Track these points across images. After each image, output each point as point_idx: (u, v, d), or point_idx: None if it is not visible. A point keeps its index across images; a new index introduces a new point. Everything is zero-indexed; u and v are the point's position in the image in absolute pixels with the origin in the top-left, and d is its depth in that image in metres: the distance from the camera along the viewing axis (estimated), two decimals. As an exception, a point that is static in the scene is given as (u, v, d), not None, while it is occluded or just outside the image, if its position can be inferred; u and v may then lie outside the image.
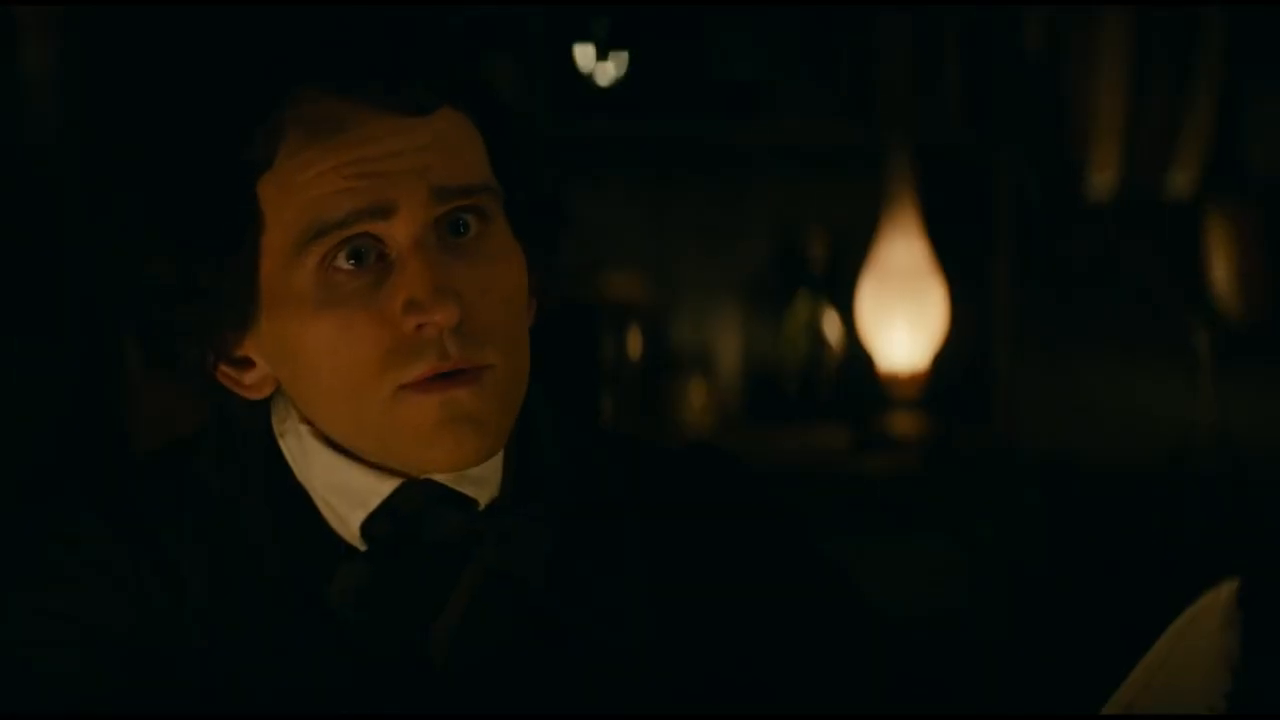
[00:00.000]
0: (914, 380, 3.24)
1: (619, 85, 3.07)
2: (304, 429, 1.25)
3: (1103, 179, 3.29)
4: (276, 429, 1.27)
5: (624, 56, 3.07)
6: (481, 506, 1.25)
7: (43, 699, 1.20)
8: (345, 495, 1.24)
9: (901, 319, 3.23)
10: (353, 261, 1.18)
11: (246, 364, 1.24)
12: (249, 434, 1.27)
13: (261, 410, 1.27)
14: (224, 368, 1.25)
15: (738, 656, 1.31)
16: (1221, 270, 3.35)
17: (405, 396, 1.19)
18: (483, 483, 1.25)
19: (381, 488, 1.23)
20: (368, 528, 1.24)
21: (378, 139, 1.17)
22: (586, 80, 3.07)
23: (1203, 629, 1.14)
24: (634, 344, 3.13)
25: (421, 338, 1.18)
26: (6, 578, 1.25)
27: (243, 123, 1.18)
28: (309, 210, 1.17)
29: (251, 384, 1.25)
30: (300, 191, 1.18)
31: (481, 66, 1.27)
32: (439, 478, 1.23)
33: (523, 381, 1.24)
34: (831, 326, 3.25)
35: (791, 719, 1.30)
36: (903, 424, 3.22)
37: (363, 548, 1.24)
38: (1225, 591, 1.14)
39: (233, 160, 1.18)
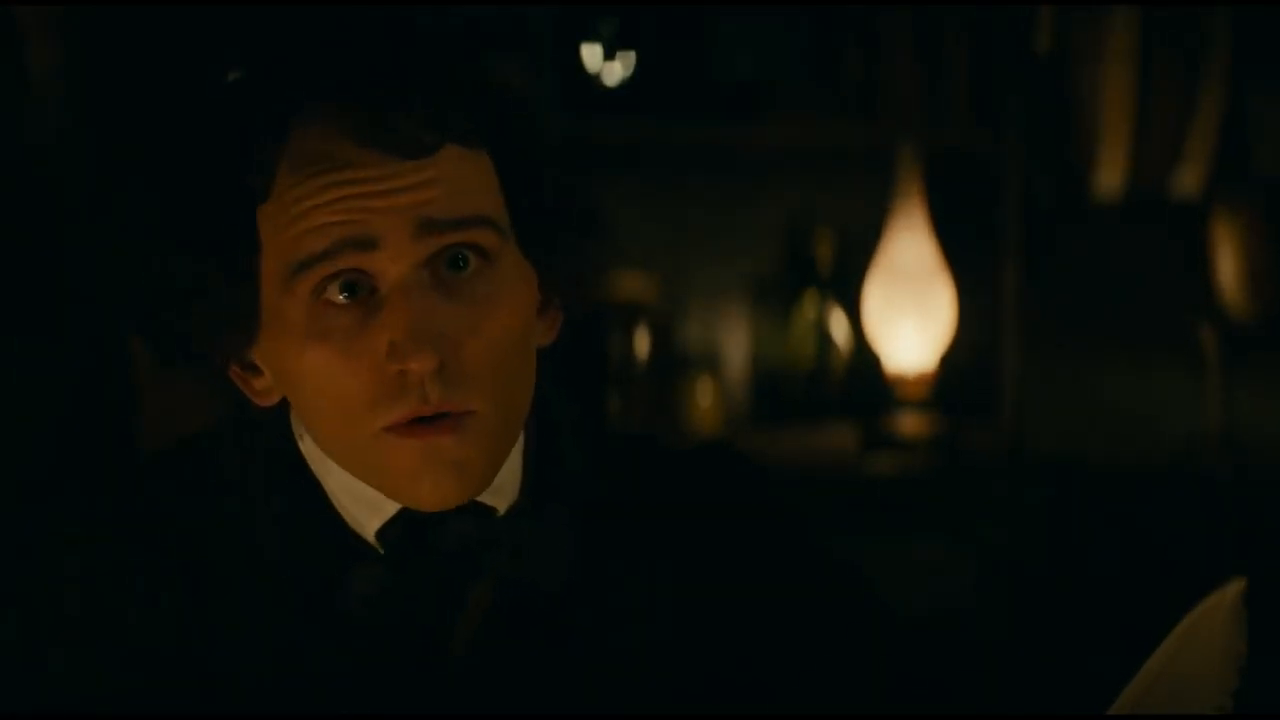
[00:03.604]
0: (921, 380, 3.24)
1: (626, 85, 3.07)
2: None
3: (1109, 178, 3.29)
4: (296, 430, 1.27)
5: (631, 57, 3.07)
6: (501, 513, 1.25)
7: (53, 697, 1.20)
8: (362, 501, 1.24)
9: (909, 319, 3.23)
10: (344, 295, 1.18)
11: (256, 370, 1.25)
12: (267, 432, 1.27)
13: (279, 410, 1.27)
14: (236, 369, 1.25)
15: (756, 655, 1.31)
16: (1228, 270, 3.35)
17: (387, 438, 1.18)
18: (500, 491, 1.25)
19: None
20: (383, 533, 1.24)
21: (372, 176, 1.17)
22: (593, 80, 3.07)
23: (1209, 629, 1.14)
24: (641, 344, 3.13)
25: (403, 381, 1.17)
26: (13, 576, 1.25)
27: (240, 154, 1.18)
28: (297, 242, 1.17)
29: (261, 390, 1.25)
30: (291, 223, 1.17)
31: (498, 102, 1.23)
32: None
33: (517, 416, 1.23)
34: (839, 327, 3.25)
35: (806, 718, 1.30)
36: (910, 424, 3.22)
37: (380, 550, 1.24)
38: (1231, 591, 1.14)
39: (232, 187, 1.18)
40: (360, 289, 1.18)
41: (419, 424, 1.18)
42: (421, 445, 1.18)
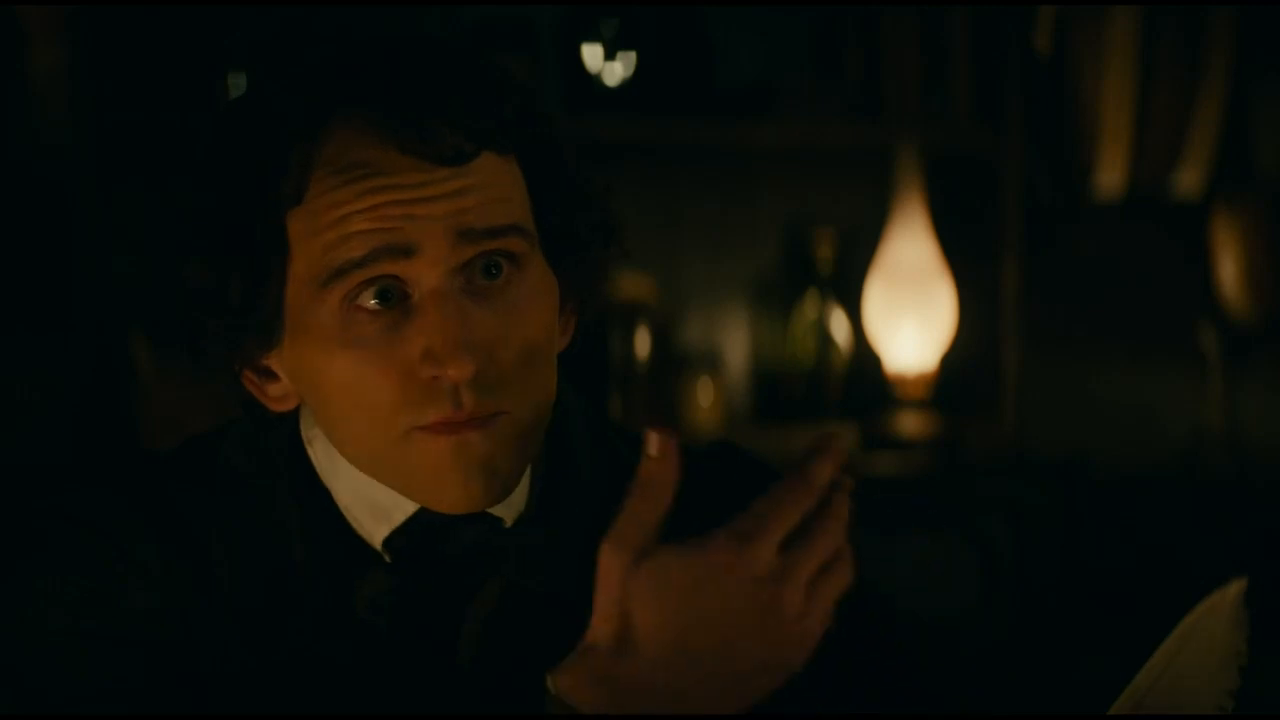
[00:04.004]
0: (922, 380, 3.24)
1: (627, 85, 3.07)
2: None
3: (1111, 178, 3.29)
4: (305, 435, 1.27)
5: (632, 57, 3.07)
6: (508, 524, 1.25)
7: (54, 698, 1.20)
8: (370, 508, 1.24)
9: (909, 319, 3.23)
10: (376, 301, 1.18)
11: (271, 376, 1.25)
12: (275, 430, 1.27)
13: (286, 415, 1.27)
14: (249, 375, 1.25)
15: None
16: (1229, 270, 3.35)
17: (417, 437, 1.19)
18: (508, 502, 1.25)
19: (406, 505, 1.24)
20: (390, 541, 1.24)
21: (408, 185, 1.17)
22: (595, 81, 3.07)
23: (1210, 628, 1.14)
24: (642, 343, 3.13)
25: (436, 387, 1.17)
26: (30, 569, 1.24)
27: (272, 158, 1.18)
28: (332, 248, 1.17)
29: (275, 396, 1.25)
30: (326, 229, 1.17)
31: (528, 108, 1.23)
32: None
33: (542, 419, 1.23)
34: (839, 326, 3.25)
35: (811, 717, 1.29)
36: (910, 424, 3.22)
37: (387, 557, 1.24)
38: (1232, 591, 1.14)
39: (262, 191, 1.18)
40: (394, 296, 1.18)
41: (450, 423, 1.18)
42: (451, 442, 1.18)
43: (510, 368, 1.19)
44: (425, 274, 1.17)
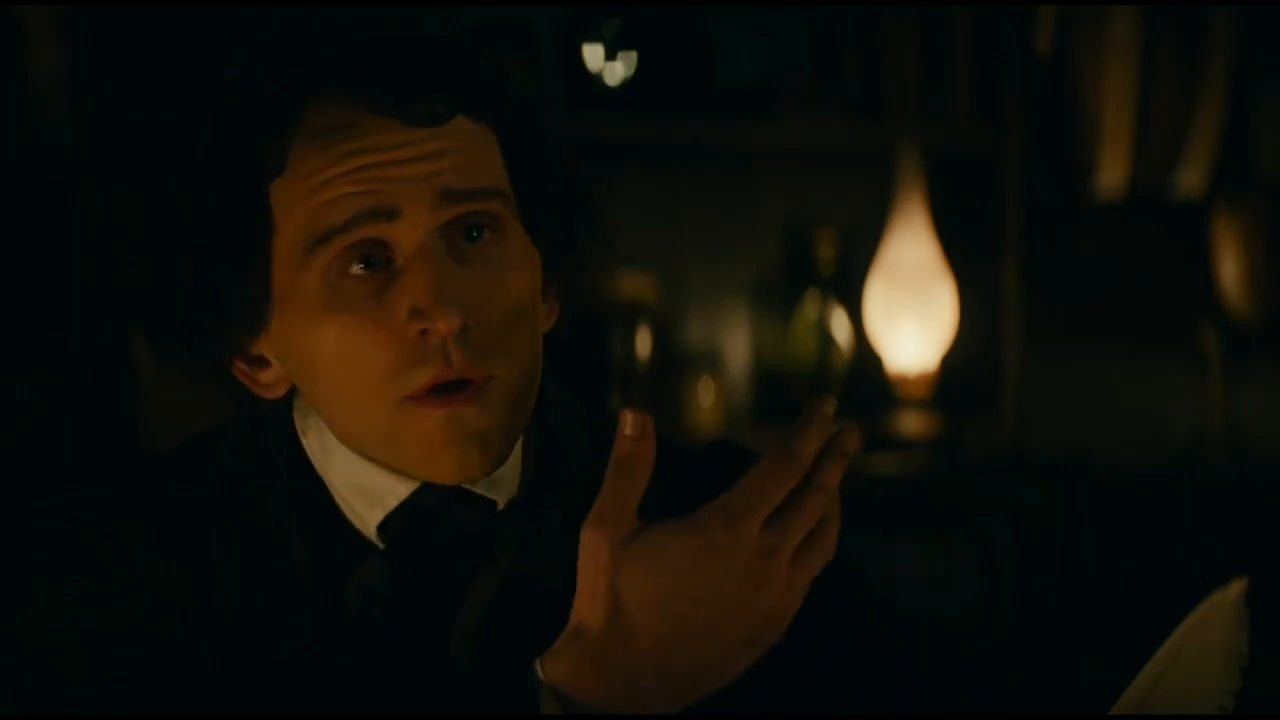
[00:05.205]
0: (923, 380, 3.24)
1: (628, 85, 3.07)
2: (325, 426, 1.25)
3: (1111, 178, 3.29)
4: (298, 424, 1.28)
5: (633, 57, 3.08)
6: (501, 506, 1.26)
7: (68, 690, 1.20)
8: (364, 494, 1.25)
9: (910, 319, 3.23)
10: (360, 266, 1.19)
11: (262, 363, 1.25)
12: (272, 428, 1.27)
13: (283, 405, 1.27)
14: (240, 364, 1.26)
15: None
16: (1230, 269, 3.35)
17: (410, 408, 1.19)
18: (501, 483, 1.25)
19: (400, 489, 1.24)
20: (385, 527, 1.25)
21: (387, 146, 1.18)
22: (595, 80, 3.07)
23: (1211, 628, 1.14)
24: (643, 343, 3.13)
25: (425, 345, 1.18)
26: (30, 569, 1.24)
27: (255, 132, 1.20)
28: (315, 215, 1.18)
29: (267, 383, 1.26)
30: (308, 196, 1.19)
31: (503, 76, 1.26)
32: None
33: (530, 388, 1.24)
34: (840, 326, 3.25)
35: (807, 717, 1.29)
36: (912, 424, 3.22)
37: (380, 545, 1.25)
38: (1233, 590, 1.14)
39: (245, 167, 1.20)
40: (377, 260, 1.19)
41: (441, 393, 1.18)
42: (444, 415, 1.19)
43: (497, 328, 1.20)
44: (408, 236, 1.18)
